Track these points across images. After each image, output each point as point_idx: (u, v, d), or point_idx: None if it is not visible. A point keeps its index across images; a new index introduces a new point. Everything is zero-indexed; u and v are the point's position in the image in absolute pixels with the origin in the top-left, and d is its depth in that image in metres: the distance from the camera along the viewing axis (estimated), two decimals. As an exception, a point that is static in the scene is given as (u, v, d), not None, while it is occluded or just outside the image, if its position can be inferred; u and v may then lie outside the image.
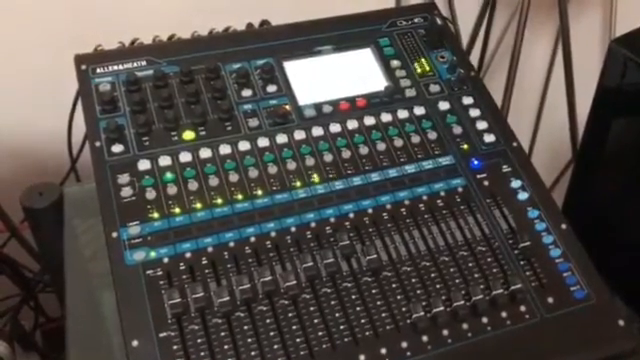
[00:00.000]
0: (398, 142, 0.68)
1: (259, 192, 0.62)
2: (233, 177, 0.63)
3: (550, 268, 0.61)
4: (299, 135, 0.67)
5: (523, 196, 0.66)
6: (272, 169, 0.64)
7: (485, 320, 0.58)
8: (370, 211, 0.63)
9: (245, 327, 0.55)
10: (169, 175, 0.62)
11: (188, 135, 0.65)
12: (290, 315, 0.56)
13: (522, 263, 0.61)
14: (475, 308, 0.58)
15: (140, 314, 0.54)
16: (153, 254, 0.58)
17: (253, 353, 0.54)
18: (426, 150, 0.68)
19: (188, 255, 0.58)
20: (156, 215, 0.60)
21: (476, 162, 0.68)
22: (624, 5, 1.23)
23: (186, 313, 0.55)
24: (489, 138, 0.69)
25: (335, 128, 0.68)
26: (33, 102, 1.04)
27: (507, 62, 1.15)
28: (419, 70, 0.74)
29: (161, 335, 0.54)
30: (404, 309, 0.57)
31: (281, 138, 0.66)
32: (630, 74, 0.77)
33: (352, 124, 0.68)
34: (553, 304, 0.59)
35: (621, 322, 0.59)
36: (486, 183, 0.66)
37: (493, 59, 1.37)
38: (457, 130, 0.70)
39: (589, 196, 0.91)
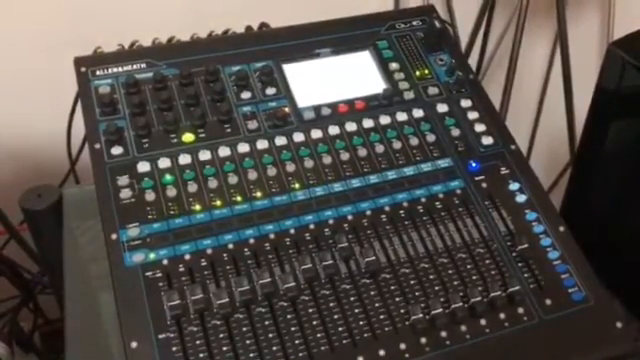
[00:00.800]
0: (397, 144, 0.68)
1: (258, 194, 0.63)
2: (232, 179, 0.63)
3: (548, 270, 0.62)
4: (298, 137, 0.67)
5: (521, 198, 0.66)
6: (271, 171, 0.64)
7: (483, 322, 0.58)
8: (369, 213, 0.63)
9: (244, 329, 0.55)
10: (168, 177, 0.62)
11: (187, 137, 0.65)
12: (289, 317, 0.56)
13: (520, 265, 0.62)
14: (473, 310, 0.58)
15: (139, 316, 0.54)
16: (152, 256, 0.58)
17: (252, 355, 0.54)
18: (424, 152, 0.68)
19: (187, 257, 0.58)
20: (155, 217, 0.60)
21: (474, 164, 0.68)
22: (622, 8, 1.23)
23: (185, 315, 0.55)
24: (487, 140, 0.70)
25: (334, 130, 0.68)
26: (33, 104, 1.04)
27: (506, 65, 1.15)
28: (418, 73, 0.74)
29: (160, 337, 0.54)
30: (402, 311, 0.57)
31: (280, 140, 0.66)
32: (628, 77, 0.77)
33: (351, 126, 0.68)
34: (551, 306, 0.60)
35: (619, 324, 0.60)
36: (484, 185, 0.66)
37: (492, 62, 1.37)
38: (455, 132, 0.70)
39: (587, 198, 0.91)
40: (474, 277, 0.60)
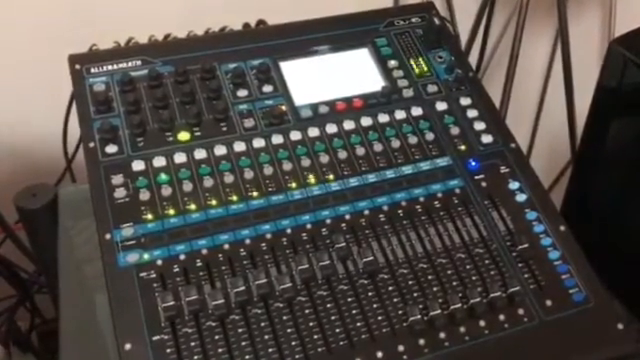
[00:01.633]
0: (395, 143, 0.67)
1: (254, 193, 0.62)
2: (228, 178, 0.62)
3: (548, 270, 0.61)
4: (295, 136, 0.66)
5: (521, 197, 0.65)
6: (268, 170, 0.63)
7: (483, 323, 0.57)
8: (367, 212, 0.62)
9: (240, 330, 0.54)
10: (163, 176, 0.62)
11: (183, 136, 0.65)
12: (285, 318, 0.55)
13: (520, 265, 0.61)
14: (473, 311, 0.57)
15: (133, 317, 0.54)
16: (147, 256, 0.57)
17: (248, 357, 0.53)
18: (423, 151, 0.67)
19: (182, 257, 0.57)
20: (150, 216, 0.59)
21: (474, 163, 0.67)
22: (623, 5, 1.22)
23: (180, 316, 0.54)
24: (487, 139, 0.69)
25: (331, 129, 0.67)
26: (29, 102, 1.04)
27: (506, 62, 1.14)
28: (417, 70, 0.73)
29: (154, 338, 0.53)
30: (401, 312, 0.57)
31: (277, 139, 0.66)
32: (629, 74, 0.76)
33: (349, 125, 0.68)
34: (551, 307, 0.59)
35: (620, 325, 0.59)
36: (484, 184, 0.66)
37: (492, 59, 1.37)
38: (455, 131, 0.69)
39: (588, 197, 0.90)
40: (473, 277, 0.59)
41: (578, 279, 0.61)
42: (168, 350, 0.52)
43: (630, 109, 0.79)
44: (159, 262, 0.57)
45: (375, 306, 0.57)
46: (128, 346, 0.52)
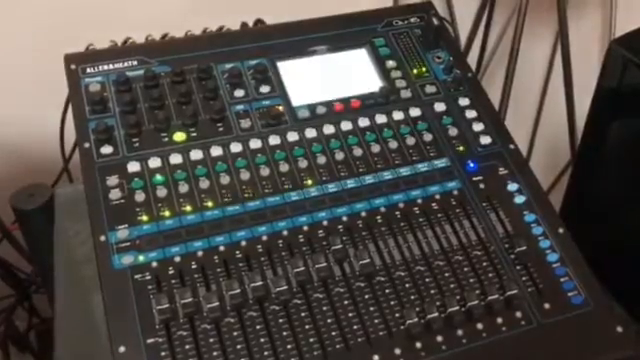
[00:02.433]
0: (393, 144, 0.66)
1: (251, 195, 0.61)
2: (224, 179, 0.62)
3: (547, 273, 0.60)
4: (292, 137, 0.66)
5: (520, 199, 0.65)
6: (264, 171, 0.63)
7: (480, 326, 0.57)
8: (364, 214, 0.61)
9: (235, 333, 0.54)
10: (159, 177, 0.61)
11: (179, 136, 0.64)
12: (281, 321, 0.55)
13: (518, 268, 0.60)
14: (470, 314, 0.56)
15: (128, 319, 0.53)
16: (142, 258, 0.56)
17: (243, 360, 0.52)
18: (421, 152, 0.67)
19: (177, 259, 0.57)
20: (145, 218, 0.59)
21: (472, 164, 0.66)
22: (624, 5, 1.22)
23: (174, 319, 0.53)
24: (485, 140, 0.68)
25: (329, 129, 0.67)
26: (26, 102, 1.03)
27: (505, 62, 1.14)
28: (415, 71, 0.73)
29: (149, 341, 0.52)
30: (397, 315, 0.56)
31: (274, 140, 0.65)
32: (629, 75, 0.76)
33: (346, 125, 0.67)
34: (550, 310, 0.58)
35: (619, 328, 0.58)
36: (482, 186, 0.65)
37: (492, 59, 1.36)
38: (453, 132, 0.69)
39: (588, 199, 0.90)
40: (471, 280, 0.59)
41: (577, 282, 0.60)
42: (162, 353, 0.52)
43: (630, 110, 0.78)
44: (154, 264, 0.56)
45: (372, 309, 0.56)
46: (122, 349, 0.52)
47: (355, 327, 0.55)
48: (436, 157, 0.66)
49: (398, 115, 0.69)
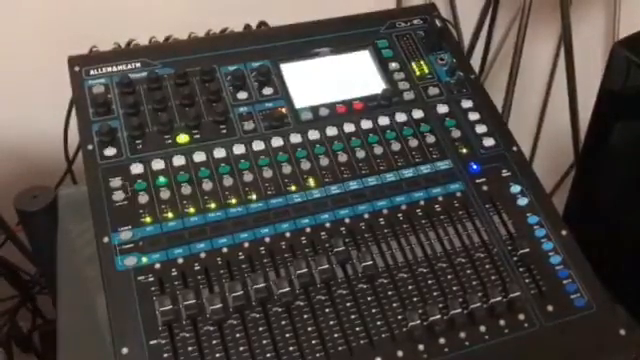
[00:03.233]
0: (395, 146, 0.66)
1: (253, 196, 0.61)
2: (227, 181, 0.62)
3: (550, 275, 0.60)
4: (295, 138, 0.66)
5: (523, 201, 0.65)
6: (267, 173, 0.63)
7: (483, 329, 0.57)
8: (366, 216, 0.61)
9: (237, 335, 0.54)
10: (162, 179, 0.61)
11: (182, 138, 0.64)
12: (283, 323, 0.55)
13: (521, 270, 0.60)
14: (473, 316, 0.56)
15: (130, 321, 0.53)
16: (145, 260, 0.56)
17: (245, 362, 0.52)
18: (424, 154, 0.67)
19: (180, 261, 0.57)
20: (148, 220, 0.59)
21: (475, 166, 0.66)
22: (628, 7, 1.21)
23: (177, 320, 0.54)
24: (488, 142, 0.68)
25: (332, 131, 0.67)
26: (30, 103, 1.03)
27: (509, 64, 1.14)
28: (418, 73, 0.73)
29: (152, 342, 0.53)
30: (400, 317, 0.56)
31: (277, 141, 0.65)
32: (633, 77, 0.76)
33: (349, 127, 0.67)
34: (553, 312, 0.58)
35: (622, 331, 0.58)
36: (485, 188, 0.65)
37: (495, 61, 1.36)
38: (456, 134, 0.68)
39: (591, 201, 0.90)
40: (474, 282, 0.59)
41: (580, 284, 0.60)
42: (165, 355, 0.52)
43: (634, 111, 0.78)
44: (157, 266, 0.56)
45: (374, 311, 0.56)
46: (125, 350, 0.52)
47: (357, 329, 0.55)
48: (439, 159, 0.66)
49: (401, 117, 0.69)
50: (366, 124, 0.68)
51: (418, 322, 0.55)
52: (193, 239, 0.58)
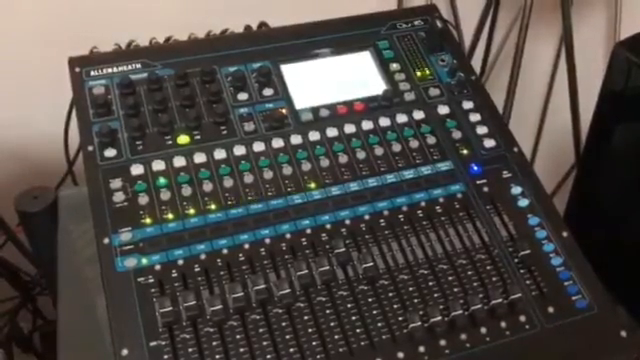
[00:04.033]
0: (396, 147, 0.66)
1: (254, 198, 0.61)
2: (228, 182, 0.62)
3: (551, 277, 0.60)
4: (295, 139, 0.65)
5: (523, 203, 0.64)
6: (267, 174, 0.63)
7: (484, 330, 0.57)
8: (367, 217, 0.61)
9: (237, 336, 0.54)
10: (162, 180, 0.61)
11: (182, 139, 0.64)
12: (284, 324, 0.55)
13: (522, 272, 0.60)
14: (473, 318, 0.56)
15: (131, 322, 0.53)
16: (145, 261, 0.56)
17: (245, 363, 0.52)
18: (425, 155, 0.66)
19: (180, 262, 0.57)
20: (148, 221, 0.59)
21: (476, 168, 0.66)
22: (629, 7, 1.21)
23: (178, 322, 0.53)
24: (489, 143, 0.68)
25: (332, 132, 0.66)
26: (31, 104, 1.03)
27: (509, 65, 1.14)
28: (419, 74, 0.73)
29: (152, 344, 0.52)
30: (401, 318, 0.56)
31: (277, 142, 0.65)
32: (634, 78, 0.75)
33: (349, 128, 0.67)
34: (554, 314, 0.58)
35: (623, 333, 0.58)
36: (486, 189, 0.65)
37: (496, 62, 1.36)
38: (457, 135, 0.68)
39: (592, 202, 0.90)
40: (474, 284, 0.59)
41: (581, 286, 0.60)
42: (165, 356, 0.52)
43: (635, 112, 0.78)
44: (157, 267, 0.56)
45: (375, 312, 0.56)
46: (125, 352, 0.52)
47: (358, 331, 0.55)
48: (440, 160, 0.66)
49: (402, 118, 0.69)
50: (367, 125, 0.67)
51: (419, 323, 0.55)
52: (193, 240, 0.58)
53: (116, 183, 0.60)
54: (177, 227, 0.59)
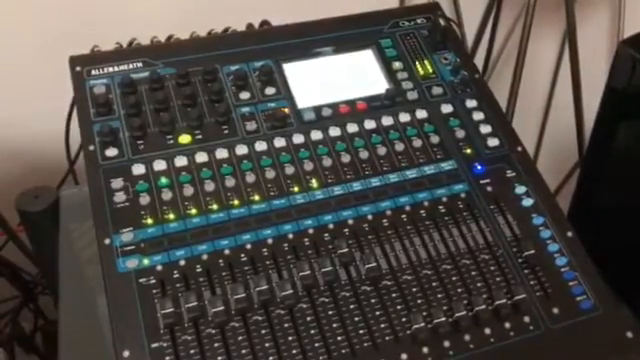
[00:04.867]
0: (399, 146, 0.66)
1: (256, 197, 0.61)
2: (229, 182, 0.61)
3: (555, 277, 0.60)
4: (298, 139, 0.65)
5: (528, 202, 0.64)
6: (270, 174, 0.62)
7: (488, 331, 0.56)
8: (370, 217, 0.61)
9: (239, 338, 0.53)
10: (164, 180, 0.61)
11: (184, 139, 0.64)
12: (286, 326, 0.54)
13: (526, 272, 0.60)
14: (477, 319, 0.56)
15: (132, 324, 0.53)
16: (146, 262, 0.56)
17: (248, 365, 0.52)
18: (428, 154, 0.66)
19: (182, 263, 0.56)
20: (150, 221, 0.58)
21: (479, 167, 0.66)
22: (633, 5, 1.21)
23: (179, 323, 0.53)
24: (493, 142, 0.68)
25: (335, 132, 0.66)
26: (32, 103, 1.03)
27: (513, 63, 1.13)
28: (421, 72, 0.72)
29: (153, 346, 0.52)
30: (404, 319, 0.56)
31: (279, 142, 0.65)
32: (639, 75, 0.75)
33: (352, 128, 0.67)
34: (558, 315, 0.58)
35: (629, 334, 0.58)
36: (489, 189, 0.64)
37: (499, 60, 1.35)
38: (460, 134, 0.68)
39: (596, 201, 0.89)
40: (478, 284, 0.58)
41: (586, 286, 0.60)
42: (167, 358, 0.52)
43: (639, 110, 0.77)
44: (159, 268, 0.56)
45: (378, 313, 0.56)
46: (126, 353, 0.52)
47: (361, 332, 0.55)
48: (443, 159, 0.66)
49: (404, 117, 0.68)
50: (369, 124, 0.67)
51: (422, 325, 0.55)
52: (195, 241, 0.58)
53: (117, 183, 0.60)
54: (179, 227, 0.58)
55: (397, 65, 0.72)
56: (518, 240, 0.61)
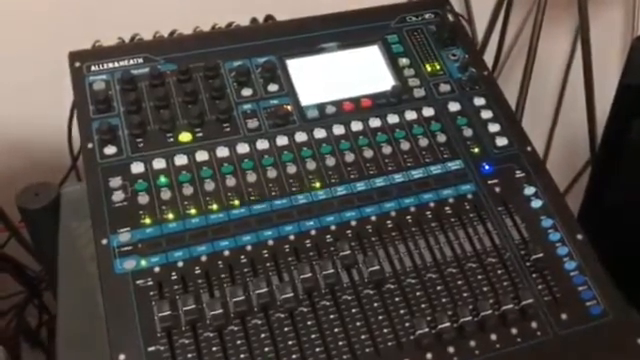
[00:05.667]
0: (405, 145, 0.64)
1: (257, 197, 0.59)
2: (230, 181, 0.60)
3: (564, 282, 0.58)
4: (300, 137, 0.64)
5: (537, 204, 0.62)
6: (271, 173, 0.61)
7: (494, 337, 0.55)
8: (373, 218, 0.59)
9: (238, 342, 0.52)
10: (163, 179, 0.60)
11: (184, 137, 0.62)
12: (286, 329, 0.53)
13: (534, 276, 0.58)
14: (483, 324, 0.54)
15: (128, 326, 0.52)
16: (144, 263, 0.55)
17: (246, 369, 0.51)
18: (434, 154, 0.64)
19: (180, 264, 0.55)
20: (148, 221, 0.57)
21: (487, 167, 0.64)
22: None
23: (177, 326, 0.52)
24: (501, 141, 0.66)
25: (338, 130, 0.65)
26: (34, 99, 1.02)
27: (523, 60, 1.11)
28: (429, 69, 0.70)
29: (150, 349, 0.51)
30: (407, 324, 0.54)
31: (281, 140, 0.63)
32: (653, 73, 0.73)
33: (356, 126, 0.65)
34: (567, 320, 0.56)
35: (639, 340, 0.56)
36: (497, 189, 0.63)
37: (509, 57, 1.33)
38: (468, 133, 0.66)
39: (607, 201, 0.87)
40: (484, 289, 0.57)
41: (596, 291, 0.58)
42: (164, 362, 0.51)
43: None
44: (156, 269, 0.55)
45: (380, 318, 0.54)
46: (122, 357, 0.51)
47: (363, 337, 0.53)
48: (450, 159, 0.64)
49: (411, 115, 0.67)
50: (374, 122, 0.65)
51: (426, 330, 0.53)
52: (194, 241, 0.56)
53: (116, 182, 0.59)
54: (177, 228, 0.57)
55: (404, 61, 0.71)
56: (526, 243, 0.60)
